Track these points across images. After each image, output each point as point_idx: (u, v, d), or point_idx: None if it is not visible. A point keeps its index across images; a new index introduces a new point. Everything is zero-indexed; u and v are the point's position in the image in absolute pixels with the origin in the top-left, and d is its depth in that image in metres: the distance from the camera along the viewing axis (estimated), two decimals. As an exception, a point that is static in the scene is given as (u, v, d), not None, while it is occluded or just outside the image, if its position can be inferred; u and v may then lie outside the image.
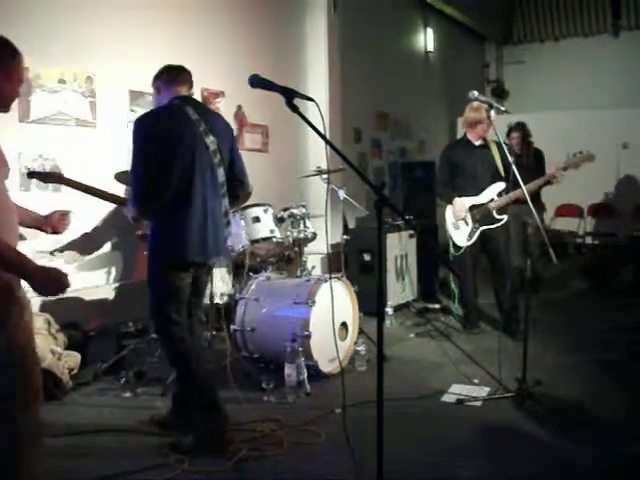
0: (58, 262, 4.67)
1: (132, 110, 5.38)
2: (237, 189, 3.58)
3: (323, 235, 4.22)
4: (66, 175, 4.16)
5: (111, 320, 4.94)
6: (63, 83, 4.86)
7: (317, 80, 7.43)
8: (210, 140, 3.34)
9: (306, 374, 4.08)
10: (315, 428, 3.53)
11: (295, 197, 5.67)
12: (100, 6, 5.06)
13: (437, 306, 6.59)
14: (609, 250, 9.69)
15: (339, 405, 3.38)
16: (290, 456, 3.21)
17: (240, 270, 4.93)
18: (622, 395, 4.06)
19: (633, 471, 3.10)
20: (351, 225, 7.49)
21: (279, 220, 4.84)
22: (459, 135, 8.16)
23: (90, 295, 5.00)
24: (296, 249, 4.96)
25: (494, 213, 5.30)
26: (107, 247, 5.25)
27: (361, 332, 4.91)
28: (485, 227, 5.33)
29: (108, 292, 5.21)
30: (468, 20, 11.68)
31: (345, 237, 5.65)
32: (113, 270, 5.30)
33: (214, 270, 4.26)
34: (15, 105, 2.33)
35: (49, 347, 4.08)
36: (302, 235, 4.84)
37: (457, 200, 5.43)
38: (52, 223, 2.66)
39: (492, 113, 4.14)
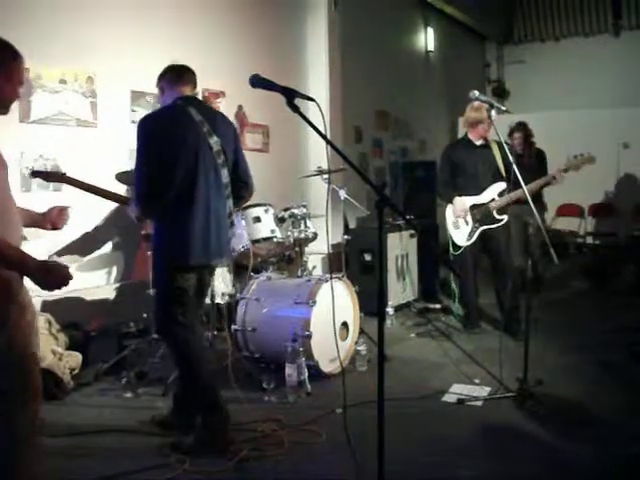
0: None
1: (133, 110, 5.39)
2: (241, 190, 3.57)
3: (324, 235, 4.22)
4: (68, 175, 4.15)
5: (112, 320, 4.95)
6: (64, 83, 4.86)
7: (318, 80, 7.43)
8: (214, 141, 3.33)
9: (307, 374, 4.08)
10: (316, 428, 3.53)
11: (296, 197, 5.67)
12: (101, 7, 5.06)
13: (438, 306, 6.59)
14: (610, 250, 9.68)
15: (340, 405, 3.38)
16: (291, 456, 3.22)
17: (241, 270, 4.93)
18: (623, 395, 4.06)
19: (634, 471, 3.10)
20: (352, 225, 7.49)
21: (280, 220, 4.84)
22: (460, 135, 8.15)
23: (91, 295, 5.00)
24: (297, 249, 4.97)
25: (494, 213, 5.30)
26: (108, 247, 5.25)
27: (362, 332, 4.91)
28: (485, 227, 5.33)
29: (109, 292, 5.22)
30: (469, 20, 11.68)
31: (346, 237, 5.65)
32: (114, 270, 5.30)
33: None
34: (16, 105, 2.33)
35: (50, 347, 4.09)
36: (303, 235, 4.84)
37: (458, 199, 5.43)
38: (51, 219, 2.66)
39: (493, 113, 4.14)
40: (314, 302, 4.28)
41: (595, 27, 12.37)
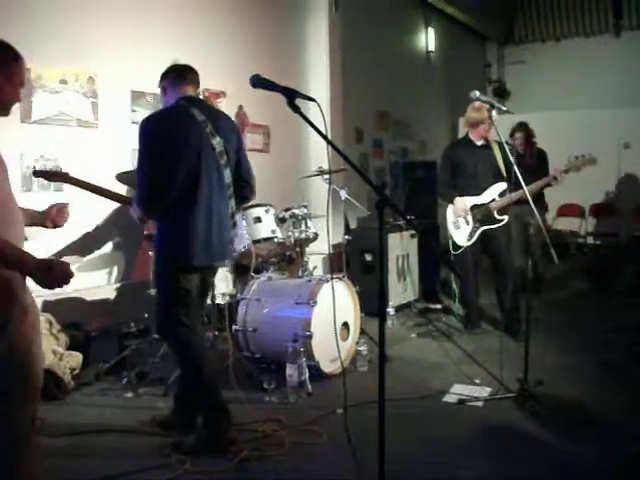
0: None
1: (134, 110, 5.39)
2: (244, 190, 3.56)
3: (324, 235, 4.23)
4: (71, 174, 4.15)
5: (113, 320, 4.95)
6: (65, 84, 4.86)
7: (318, 80, 7.43)
8: (217, 141, 3.32)
9: (307, 374, 4.09)
10: (317, 428, 3.53)
11: (296, 197, 5.68)
12: (101, 7, 5.06)
13: (438, 306, 6.59)
14: (611, 250, 9.68)
15: (341, 405, 3.38)
16: (292, 456, 3.22)
17: (241, 270, 4.93)
18: (624, 396, 4.06)
19: (634, 472, 3.10)
20: (352, 225, 7.49)
21: (280, 220, 4.84)
22: (460, 135, 8.15)
23: (92, 295, 5.00)
24: (297, 249, 4.97)
25: (495, 213, 5.30)
26: (108, 247, 5.25)
27: (362, 332, 4.91)
28: (486, 227, 5.34)
29: (110, 292, 5.22)
30: (469, 20, 11.67)
31: (346, 237, 5.65)
32: (115, 270, 5.30)
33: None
34: (17, 106, 2.33)
35: (51, 347, 4.09)
36: (303, 235, 4.84)
37: (458, 199, 5.43)
38: (51, 217, 2.65)
39: (493, 113, 4.14)
40: (315, 302, 4.28)
41: (596, 27, 12.37)
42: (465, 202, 5.40)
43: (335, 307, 3.61)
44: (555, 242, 4.17)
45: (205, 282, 3.53)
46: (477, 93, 4.04)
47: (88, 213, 4.86)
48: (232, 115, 6.29)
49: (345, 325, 4.58)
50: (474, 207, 5.38)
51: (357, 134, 8.74)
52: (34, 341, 2.19)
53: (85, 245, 5.02)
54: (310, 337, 4.18)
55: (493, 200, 5.32)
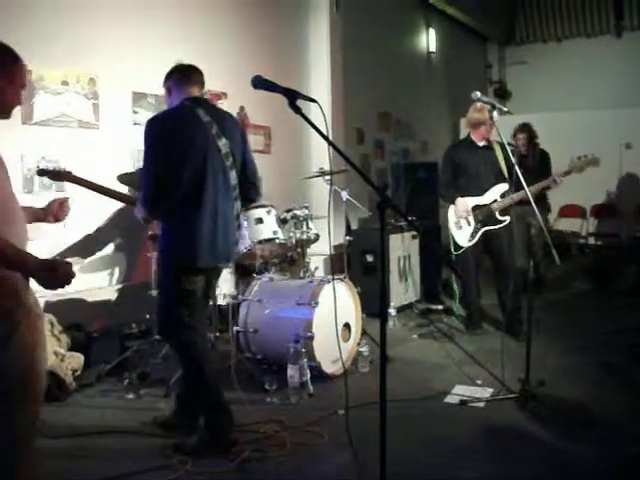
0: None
1: (135, 112, 5.39)
2: (250, 191, 3.56)
3: (326, 236, 4.23)
4: (74, 174, 4.15)
5: (114, 321, 4.95)
6: (66, 85, 4.87)
7: (319, 81, 7.43)
8: (222, 143, 3.31)
9: (309, 375, 4.09)
10: (318, 429, 3.53)
11: (298, 198, 5.68)
12: (103, 8, 5.07)
13: (440, 307, 6.59)
14: (612, 251, 9.67)
15: (342, 406, 3.39)
16: (293, 457, 3.21)
17: (243, 271, 4.94)
18: (625, 397, 4.06)
19: (635, 472, 3.10)
20: (354, 226, 7.49)
21: (282, 221, 4.84)
22: (462, 136, 8.15)
23: (93, 296, 5.00)
24: (299, 250, 4.97)
25: (497, 214, 5.30)
26: (110, 248, 5.26)
27: (364, 333, 4.91)
28: (487, 228, 5.34)
29: (111, 293, 5.22)
30: (470, 21, 11.67)
31: (348, 238, 5.65)
32: (116, 271, 5.31)
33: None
34: (18, 107, 2.33)
35: (52, 348, 4.09)
36: (305, 236, 4.84)
37: (460, 200, 5.43)
38: (53, 212, 2.66)
39: (495, 114, 4.15)
40: (316, 303, 4.28)
41: (597, 28, 12.36)
42: (467, 203, 5.40)
43: (336, 308, 3.61)
44: (556, 243, 4.17)
45: (209, 283, 3.53)
46: (478, 94, 4.05)
47: (89, 214, 4.87)
48: (233, 116, 6.29)
49: (346, 326, 4.58)
50: (476, 208, 5.38)
51: (358, 135, 8.74)
52: (37, 342, 2.19)
53: (86, 246, 5.02)
54: (311, 338, 4.18)
55: (495, 201, 5.32)
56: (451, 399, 4.04)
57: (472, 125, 5.47)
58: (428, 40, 10.90)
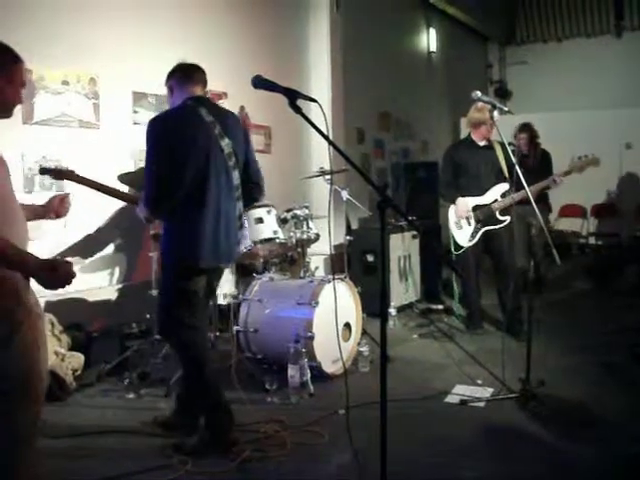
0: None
1: (135, 111, 5.39)
2: (253, 191, 3.54)
3: (326, 236, 4.22)
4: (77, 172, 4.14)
5: (114, 321, 4.95)
6: (66, 85, 4.87)
7: (320, 81, 7.43)
8: (225, 143, 3.29)
9: (309, 375, 4.09)
10: (318, 429, 3.53)
11: (298, 198, 5.68)
12: (103, 8, 5.07)
13: (440, 307, 6.59)
14: (612, 250, 9.68)
15: (342, 406, 3.38)
16: (293, 457, 3.21)
17: (243, 271, 4.94)
18: (625, 397, 4.06)
19: (635, 472, 3.10)
20: (354, 226, 7.49)
21: (282, 221, 4.83)
22: (462, 135, 8.15)
23: (93, 296, 5.00)
24: (299, 250, 4.97)
25: (497, 214, 5.30)
26: (110, 248, 5.26)
27: (364, 333, 4.91)
28: (488, 228, 5.33)
29: (111, 293, 5.22)
30: (471, 20, 11.67)
31: (348, 238, 5.65)
32: (116, 271, 5.31)
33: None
34: (19, 107, 2.33)
35: (53, 348, 4.09)
36: (305, 236, 4.84)
37: (460, 200, 5.43)
38: (54, 208, 2.66)
39: (495, 114, 4.14)
40: (316, 303, 4.28)
41: (597, 28, 12.36)
42: (467, 203, 5.40)
43: (337, 308, 3.61)
44: (557, 242, 4.17)
45: (211, 284, 3.52)
46: (478, 93, 4.05)
47: (89, 214, 4.87)
48: (233, 116, 6.29)
49: (347, 326, 4.58)
50: (476, 208, 5.37)
51: (358, 134, 8.74)
52: (38, 342, 2.19)
53: (87, 246, 5.02)
54: (312, 338, 4.18)
55: (495, 201, 5.32)
56: (451, 399, 4.04)
57: (472, 125, 5.47)
58: (428, 40, 10.91)
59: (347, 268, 5.45)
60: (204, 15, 6.07)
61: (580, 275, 7.99)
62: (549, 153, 7.01)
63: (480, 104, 5.05)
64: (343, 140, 7.50)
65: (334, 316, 3.66)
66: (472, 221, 5.39)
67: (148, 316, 4.68)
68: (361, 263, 6.51)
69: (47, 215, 2.65)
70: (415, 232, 6.67)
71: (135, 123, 5.34)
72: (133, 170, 5.22)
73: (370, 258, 6.48)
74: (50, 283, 2.03)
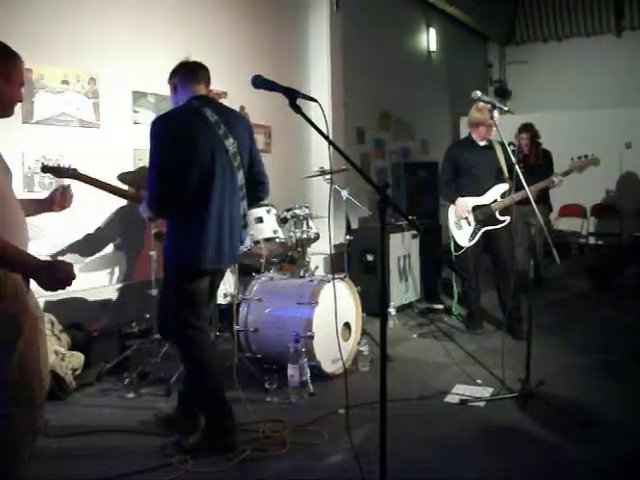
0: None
1: (135, 111, 5.39)
2: (257, 191, 3.52)
3: (326, 235, 4.22)
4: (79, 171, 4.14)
5: (114, 320, 4.96)
6: (66, 84, 4.87)
7: (319, 80, 7.43)
8: (230, 143, 3.27)
9: (309, 374, 4.09)
10: (318, 428, 3.52)
11: (298, 198, 5.68)
12: (103, 7, 5.06)
13: (440, 306, 6.59)
14: (612, 250, 9.68)
15: (342, 405, 3.39)
16: (293, 457, 3.21)
17: (243, 271, 4.93)
18: (624, 396, 4.06)
19: (635, 472, 3.10)
20: (354, 225, 7.49)
21: (282, 221, 4.83)
22: (462, 135, 8.16)
23: (93, 296, 5.00)
24: (299, 249, 4.96)
25: (497, 214, 5.29)
26: (110, 247, 5.26)
27: (364, 332, 4.91)
28: (487, 228, 5.33)
29: (111, 292, 5.22)
30: (471, 20, 11.66)
31: (348, 237, 5.65)
32: (116, 270, 5.31)
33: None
34: (18, 106, 2.33)
35: (53, 347, 4.09)
36: (305, 235, 4.84)
37: (460, 200, 5.43)
38: (57, 201, 2.67)
39: (495, 113, 4.14)
40: (316, 302, 4.28)
41: (597, 27, 12.36)
42: (467, 202, 5.40)
43: (336, 307, 3.61)
44: (557, 242, 4.17)
45: (214, 285, 3.52)
46: (478, 93, 4.05)
47: (90, 214, 4.87)
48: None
49: (346, 325, 4.58)
50: (476, 207, 5.37)
51: (358, 134, 8.74)
52: (39, 344, 2.19)
53: (87, 246, 5.02)
54: (312, 337, 4.18)
55: (495, 201, 5.31)
56: (451, 399, 4.03)
57: (473, 125, 5.47)
58: (428, 39, 10.91)
59: (347, 268, 5.45)
60: (204, 15, 6.06)
61: (580, 275, 7.99)
62: (550, 153, 7.02)
63: (480, 104, 5.04)
64: (343, 140, 7.50)
65: (334, 316, 3.66)
66: (472, 221, 5.39)
67: (148, 315, 4.68)
68: (361, 263, 6.50)
69: (51, 208, 2.66)
70: (415, 232, 6.67)
71: (135, 122, 5.34)
72: (133, 169, 5.21)
73: (370, 258, 6.48)
74: (50, 284, 2.03)
